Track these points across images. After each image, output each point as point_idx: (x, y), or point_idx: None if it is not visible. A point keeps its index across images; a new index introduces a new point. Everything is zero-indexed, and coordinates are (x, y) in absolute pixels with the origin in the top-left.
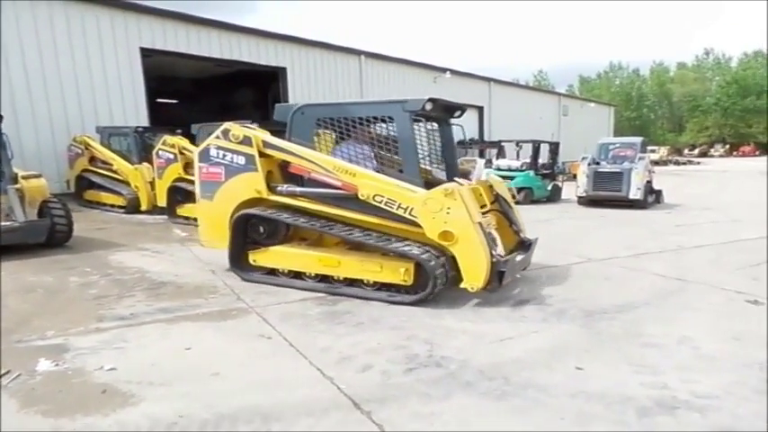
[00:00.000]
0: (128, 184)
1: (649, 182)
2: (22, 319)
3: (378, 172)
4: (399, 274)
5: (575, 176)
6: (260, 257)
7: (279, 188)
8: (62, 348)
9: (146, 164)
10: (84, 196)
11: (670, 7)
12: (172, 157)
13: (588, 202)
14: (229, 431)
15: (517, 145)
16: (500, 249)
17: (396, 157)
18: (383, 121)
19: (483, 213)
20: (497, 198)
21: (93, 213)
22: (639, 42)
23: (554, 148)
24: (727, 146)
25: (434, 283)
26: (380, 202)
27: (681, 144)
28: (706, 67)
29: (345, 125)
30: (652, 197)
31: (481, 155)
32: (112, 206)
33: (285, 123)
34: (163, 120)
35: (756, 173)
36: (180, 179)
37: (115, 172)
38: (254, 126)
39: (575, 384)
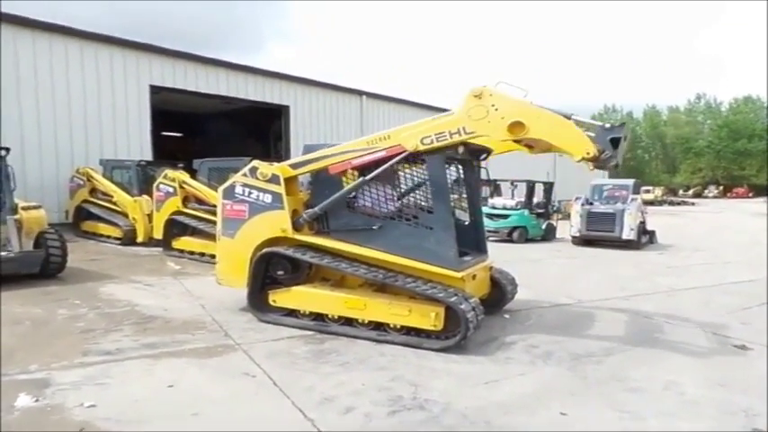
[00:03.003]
0: (126, 215)
1: (642, 222)
2: (6, 352)
3: (400, 213)
4: (429, 318)
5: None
6: (280, 298)
7: (301, 218)
8: (44, 383)
9: (145, 196)
10: (81, 227)
11: (663, 52)
12: (171, 190)
13: (582, 241)
14: None
15: (512, 184)
16: None
17: (417, 197)
18: (414, 163)
19: None
20: None
21: (89, 244)
22: (632, 86)
23: (548, 187)
24: (721, 187)
25: (466, 327)
26: (431, 143)
27: (675, 185)
28: (697, 111)
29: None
30: (645, 237)
31: None
32: (109, 237)
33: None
34: (166, 153)
35: (749, 215)
36: (178, 212)
37: (115, 204)
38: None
39: (557, 429)
